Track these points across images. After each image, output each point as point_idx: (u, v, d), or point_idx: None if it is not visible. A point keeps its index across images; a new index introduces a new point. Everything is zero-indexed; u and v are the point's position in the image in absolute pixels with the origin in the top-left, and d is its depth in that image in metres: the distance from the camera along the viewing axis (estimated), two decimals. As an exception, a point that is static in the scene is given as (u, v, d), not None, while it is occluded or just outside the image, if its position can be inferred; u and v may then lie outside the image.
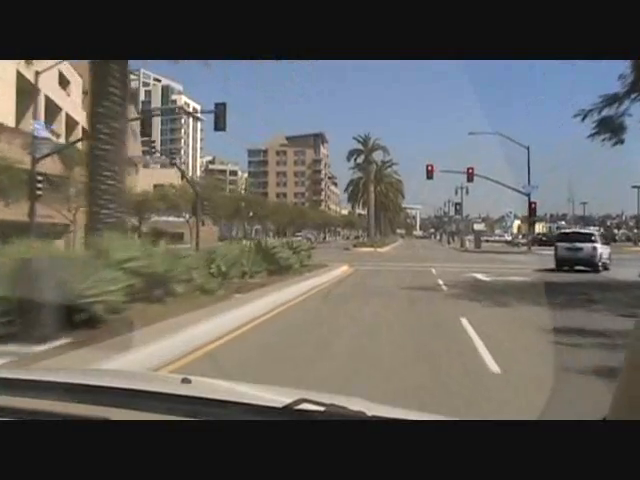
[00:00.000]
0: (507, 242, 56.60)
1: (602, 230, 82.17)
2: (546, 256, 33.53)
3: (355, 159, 60.24)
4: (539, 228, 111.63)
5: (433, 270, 19.02)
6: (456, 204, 53.88)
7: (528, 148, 39.87)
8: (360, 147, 59.08)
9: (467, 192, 52.42)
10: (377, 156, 61.95)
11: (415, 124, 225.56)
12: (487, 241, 54.42)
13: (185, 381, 1.43)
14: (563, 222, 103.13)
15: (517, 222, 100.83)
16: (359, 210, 76.70)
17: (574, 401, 4.13)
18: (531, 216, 39.12)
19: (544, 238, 49.37)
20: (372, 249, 41.48)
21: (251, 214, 51.68)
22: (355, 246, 45.21)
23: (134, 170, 43.60)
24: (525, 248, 41.32)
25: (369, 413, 1.13)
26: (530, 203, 38.57)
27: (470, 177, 37.99)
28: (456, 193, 53.07)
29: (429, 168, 37.85)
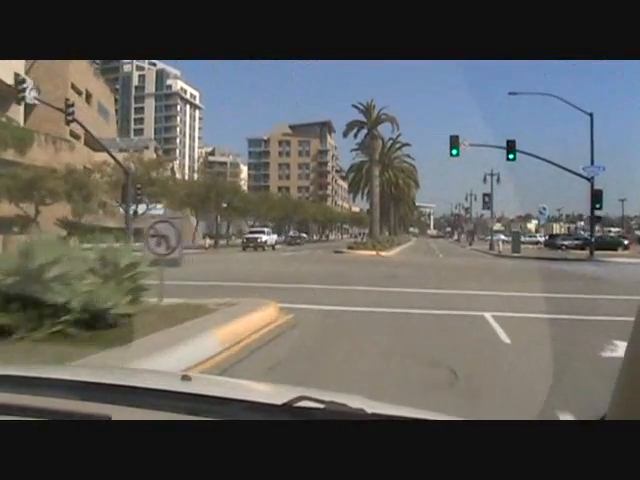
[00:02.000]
0: (544, 244, 45.64)
1: (623, 231, 72.16)
2: (627, 265, 23.52)
3: (355, 135, 44.33)
4: (557, 229, 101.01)
5: (499, 331, 7.04)
6: (484, 195, 42.48)
7: (591, 115, 28.91)
8: (362, 119, 43.03)
9: (498, 180, 41.31)
10: (385, 133, 48.26)
11: (431, 113, 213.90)
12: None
13: (185, 378, 1.44)
14: (582, 222, 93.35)
15: (534, 222, 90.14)
16: (362, 202, 61.96)
17: None
18: (595, 208, 28.08)
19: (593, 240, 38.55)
20: (373, 252, 30.67)
21: (225, 205, 40.99)
22: (351, 248, 34.38)
23: (66, 146, 33.58)
24: (577, 252, 32.55)
25: (369, 411, 1.13)
26: (594, 191, 27.67)
27: (511, 152, 26.93)
28: (484, 181, 41.77)
29: (453, 140, 26.96)
